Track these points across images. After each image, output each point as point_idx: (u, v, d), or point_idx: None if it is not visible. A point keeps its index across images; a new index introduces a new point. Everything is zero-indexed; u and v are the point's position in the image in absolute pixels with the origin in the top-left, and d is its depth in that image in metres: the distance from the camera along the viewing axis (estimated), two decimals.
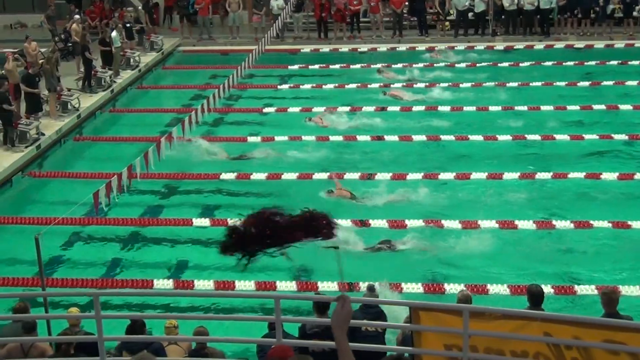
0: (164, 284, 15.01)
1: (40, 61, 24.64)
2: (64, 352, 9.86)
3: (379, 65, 28.81)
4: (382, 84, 26.74)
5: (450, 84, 26.46)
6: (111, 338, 9.39)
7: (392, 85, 26.47)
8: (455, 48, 30.74)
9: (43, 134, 22.10)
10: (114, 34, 27.90)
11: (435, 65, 28.76)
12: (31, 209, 18.77)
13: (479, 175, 19.16)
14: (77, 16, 29.82)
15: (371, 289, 11.40)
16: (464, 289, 12.80)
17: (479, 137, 21.60)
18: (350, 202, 18.00)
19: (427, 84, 26.68)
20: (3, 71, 23.96)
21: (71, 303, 13.34)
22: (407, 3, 32.49)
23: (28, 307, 11.11)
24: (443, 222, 16.88)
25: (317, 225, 5.63)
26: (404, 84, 26.65)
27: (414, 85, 26.51)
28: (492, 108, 23.97)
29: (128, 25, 30.16)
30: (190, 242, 16.81)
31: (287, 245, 5.65)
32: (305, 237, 5.64)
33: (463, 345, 7.13)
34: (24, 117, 22.17)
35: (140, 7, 32.72)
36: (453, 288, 14.26)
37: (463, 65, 28.62)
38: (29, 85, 22.44)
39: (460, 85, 26.33)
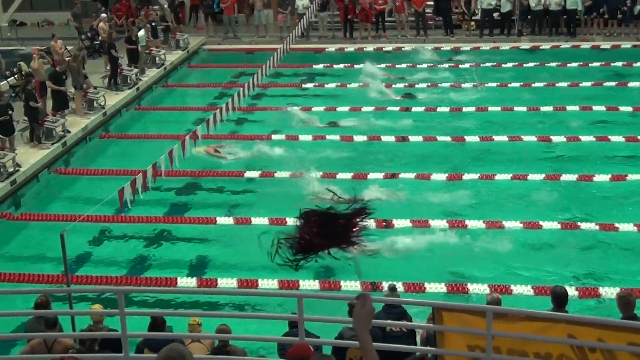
0: (187, 282, 15.08)
1: (67, 59, 24.80)
2: (89, 348, 9.94)
3: (404, 65, 28.77)
4: (407, 84, 26.68)
5: (475, 83, 26.37)
6: (135, 335, 9.44)
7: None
8: (481, 48, 30.66)
9: (69, 131, 22.26)
10: (140, 32, 28.05)
11: (460, 66, 28.66)
12: (57, 206, 18.91)
13: (503, 176, 19.08)
14: (103, 14, 30.03)
15: (392, 288, 11.35)
16: (490, 290, 12.77)
17: (504, 138, 21.50)
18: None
19: (452, 83, 26.62)
20: (29, 69, 24.16)
21: (95, 300, 13.49)
22: (432, 3, 32.42)
23: (49, 302, 11.20)
24: (467, 222, 16.84)
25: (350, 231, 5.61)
26: (429, 84, 26.58)
27: (438, 85, 26.45)
28: (517, 108, 23.85)
29: (154, 24, 30.32)
30: (214, 240, 16.87)
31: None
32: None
33: (486, 346, 7.10)
34: (51, 114, 22.34)
35: (166, 6, 32.85)
36: (476, 288, 14.26)
37: (488, 65, 28.49)
38: (55, 83, 22.60)
39: (486, 85, 26.23)
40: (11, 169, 19.51)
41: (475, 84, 26.05)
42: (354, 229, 5.58)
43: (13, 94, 23.97)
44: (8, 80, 25.28)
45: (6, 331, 12.83)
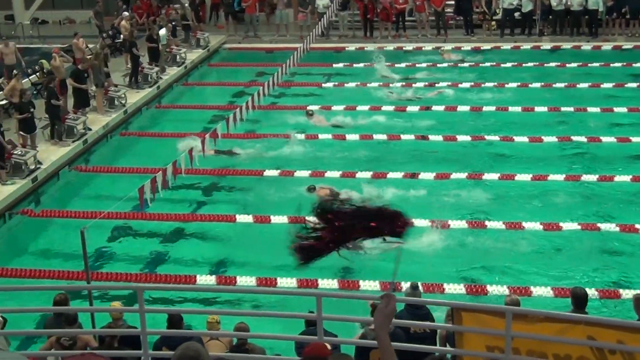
0: (206, 279, 15.12)
1: (88, 57, 24.93)
2: (108, 345, 9.98)
3: (424, 65, 28.76)
4: (427, 83, 26.64)
5: (495, 84, 26.31)
6: (154, 332, 9.48)
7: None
8: (502, 48, 30.57)
9: (90, 129, 22.38)
10: (161, 31, 28.16)
11: (480, 65, 28.60)
12: (77, 203, 19.01)
13: (523, 177, 19.00)
14: (125, 13, 30.17)
15: (414, 287, 11.20)
16: (509, 292, 12.71)
17: (524, 138, 21.42)
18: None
19: (473, 83, 26.57)
20: (50, 67, 24.32)
21: (114, 297, 13.54)
22: (452, 2, 32.35)
23: (68, 300, 11.28)
24: (486, 222, 16.80)
25: (391, 222, 5.58)
26: (449, 83, 26.53)
27: (459, 85, 26.39)
28: (537, 109, 23.75)
29: (174, 22, 30.44)
30: (233, 238, 16.90)
31: (359, 240, 5.58)
32: (378, 232, 5.57)
33: (505, 347, 7.08)
34: (72, 112, 22.46)
35: (187, 4, 32.96)
36: (495, 290, 14.21)
37: (509, 65, 28.40)
38: (76, 81, 22.73)
39: (506, 85, 26.15)
40: (32, 167, 19.63)
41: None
42: (394, 222, 5.55)
43: (35, 92, 24.13)
44: (30, 77, 25.44)
45: (26, 328, 12.92)
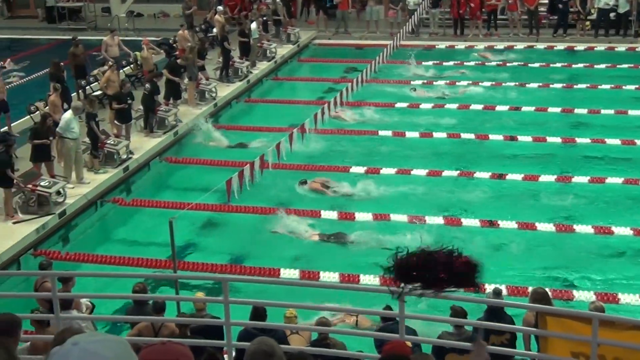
0: (290, 273, 15.22)
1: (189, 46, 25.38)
2: (182, 334, 10.15)
3: (515, 64, 28.41)
4: (516, 83, 26.30)
5: (589, 85, 25.81)
6: (238, 323, 9.59)
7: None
8: (595, 48, 29.96)
9: (181, 121, 22.76)
10: (253, 25, 28.46)
11: (573, 65, 28.08)
12: (166, 193, 19.36)
13: (614, 179, 18.56)
14: (219, 7, 30.56)
15: (497, 292, 11.08)
16: (595, 298, 12.47)
17: (616, 141, 20.95)
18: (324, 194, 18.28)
19: (565, 84, 26.13)
20: (139, 60, 24.84)
21: (197, 287, 13.76)
22: (546, 1, 31.83)
23: (147, 290, 11.52)
24: (575, 226, 16.50)
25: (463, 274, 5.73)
26: (540, 84, 26.13)
27: (550, 86, 25.99)
28: (631, 112, 23.19)
29: (265, 17, 30.71)
30: (318, 233, 16.95)
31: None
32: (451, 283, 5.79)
33: (591, 354, 6.96)
34: (163, 103, 22.87)
35: (278, 0, 33.22)
36: (581, 295, 13.93)
37: (602, 66, 27.80)
38: (171, 73, 23.14)
39: (599, 87, 25.63)
40: (124, 156, 20.07)
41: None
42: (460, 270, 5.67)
43: (129, 83, 24.64)
44: (124, 69, 26.01)
45: (111, 314, 13.26)
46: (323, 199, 18.52)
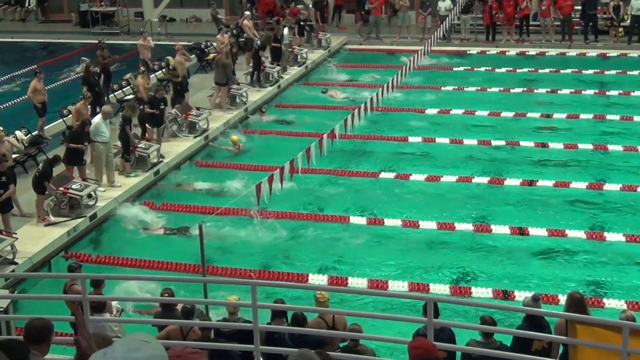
0: (318, 279, 15.21)
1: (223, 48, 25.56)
2: (205, 337, 10.19)
3: (547, 70, 28.24)
4: (548, 90, 26.14)
5: (621, 92, 25.61)
6: (267, 327, 9.60)
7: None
8: (628, 55, 29.72)
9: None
10: (285, 31, 28.52)
11: (606, 72, 27.87)
12: (195, 197, 19.40)
13: None
14: (247, 12, 30.69)
15: (536, 299, 10.92)
16: (626, 307, 12.34)
17: None
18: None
19: (597, 91, 25.94)
20: (171, 65, 24.98)
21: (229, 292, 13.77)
22: (579, 7, 31.61)
23: (173, 294, 11.58)
24: (605, 234, 16.36)
25: None
26: (571, 90, 25.95)
27: (582, 92, 25.82)
28: None
29: (302, 22, 30.77)
30: (346, 238, 16.94)
31: None
32: None
33: None
34: (194, 108, 22.96)
35: (310, 5, 33.31)
36: (612, 304, 13.79)
37: (635, 72, 27.56)
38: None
39: (632, 93, 25.41)
40: (155, 160, 20.18)
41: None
42: None
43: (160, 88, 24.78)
44: (156, 74, 26.18)
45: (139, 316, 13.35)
46: (352, 206, 18.47)
